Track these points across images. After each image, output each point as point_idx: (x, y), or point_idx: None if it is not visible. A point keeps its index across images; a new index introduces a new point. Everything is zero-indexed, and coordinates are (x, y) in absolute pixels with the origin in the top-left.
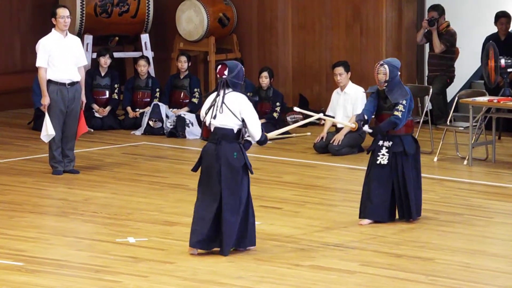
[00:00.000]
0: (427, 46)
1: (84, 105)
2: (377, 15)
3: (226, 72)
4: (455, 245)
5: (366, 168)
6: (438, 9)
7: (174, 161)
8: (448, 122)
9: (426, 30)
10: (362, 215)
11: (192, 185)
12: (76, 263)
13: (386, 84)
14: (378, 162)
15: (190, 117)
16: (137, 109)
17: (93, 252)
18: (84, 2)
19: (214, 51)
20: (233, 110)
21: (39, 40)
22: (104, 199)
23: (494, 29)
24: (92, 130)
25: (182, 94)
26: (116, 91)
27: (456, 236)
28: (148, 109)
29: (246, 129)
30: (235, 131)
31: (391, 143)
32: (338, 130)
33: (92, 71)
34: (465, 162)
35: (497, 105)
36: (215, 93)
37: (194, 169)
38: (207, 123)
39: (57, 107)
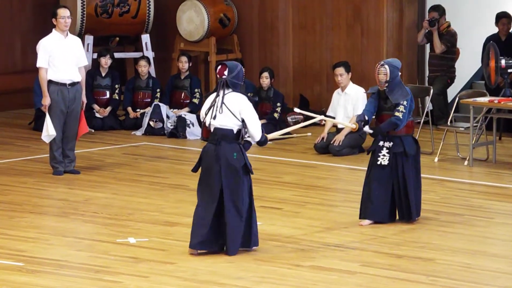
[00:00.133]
0: (427, 46)
1: (84, 105)
2: (377, 15)
3: (226, 73)
4: (456, 246)
5: (366, 168)
6: (439, 10)
7: (174, 161)
8: (448, 123)
9: (426, 31)
10: (362, 216)
11: (192, 186)
12: (76, 263)
13: (386, 84)
14: (378, 162)
15: (190, 117)
16: (138, 110)
17: (93, 252)
18: (84, 3)
19: (214, 52)
20: (233, 110)
21: (40, 41)
22: (105, 200)
23: (495, 30)
24: (92, 131)
25: (182, 95)
26: (116, 91)
27: (457, 237)
28: (148, 110)
29: (246, 130)
30: (235, 132)
31: (391, 143)
32: (338, 130)
33: (92, 72)
34: (466, 162)
35: (497, 105)
36: (215, 93)
37: (194, 170)
38: (207, 124)
39: (57, 107)
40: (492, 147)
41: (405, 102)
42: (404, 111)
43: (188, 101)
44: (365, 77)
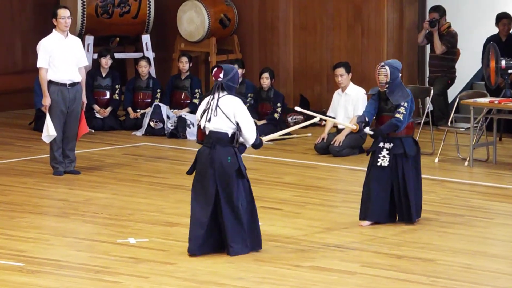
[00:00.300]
0: (428, 47)
1: (85, 105)
2: (378, 16)
3: (221, 75)
4: (456, 246)
5: (366, 169)
6: (439, 10)
7: (175, 162)
8: (449, 123)
9: (427, 31)
10: (362, 216)
11: None
12: (76, 263)
13: (387, 85)
14: (378, 164)
15: (191, 117)
16: (138, 110)
17: (93, 252)
18: (85, 3)
19: (215, 52)
20: (227, 113)
21: (40, 41)
22: (105, 200)
23: (495, 30)
24: (93, 131)
25: (183, 95)
26: (117, 91)
27: (457, 237)
28: (149, 110)
29: (240, 133)
30: (230, 135)
31: (391, 145)
32: (339, 131)
33: (93, 72)
34: (466, 163)
35: (498, 106)
36: (210, 96)
37: (189, 172)
38: (201, 126)
39: (58, 107)
40: (492, 147)
41: (405, 104)
42: (404, 112)
43: (188, 101)
44: (365, 77)
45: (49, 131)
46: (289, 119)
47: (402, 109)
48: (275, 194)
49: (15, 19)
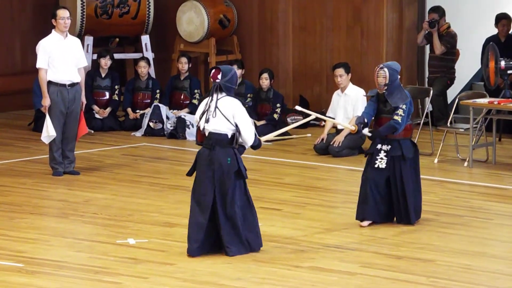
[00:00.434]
0: (427, 47)
1: (84, 106)
2: (377, 16)
3: (219, 76)
4: (456, 247)
5: (363, 170)
6: (439, 11)
7: (174, 162)
8: (448, 124)
9: (426, 32)
10: (359, 217)
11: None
12: (75, 264)
13: (386, 87)
14: (376, 165)
15: (190, 118)
16: (138, 111)
17: (93, 253)
18: (84, 3)
19: (214, 53)
20: (226, 114)
21: (39, 42)
22: (104, 201)
23: (495, 31)
24: (92, 131)
25: (182, 96)
26: (116, 92)
27: (457, 238)
28: (148, 111)
29: (238, 134)
30: (229, 136)
31: (389, 147)
32: (338, 131)
33: (92, 72)
34: (466, 163)
35: (497, 106)
36: (209, 97)
37: (189, 174)
38: (201, 128)
39: (57, 108)
40: (492, 148)
41: (404, 106)
42: (403, 114)
43: (187, 102)
44: (365, 78)
45: (49, 131)
46: (289, 120)
47: (400, 111)
48: (275, 195)
49: (14, 20)
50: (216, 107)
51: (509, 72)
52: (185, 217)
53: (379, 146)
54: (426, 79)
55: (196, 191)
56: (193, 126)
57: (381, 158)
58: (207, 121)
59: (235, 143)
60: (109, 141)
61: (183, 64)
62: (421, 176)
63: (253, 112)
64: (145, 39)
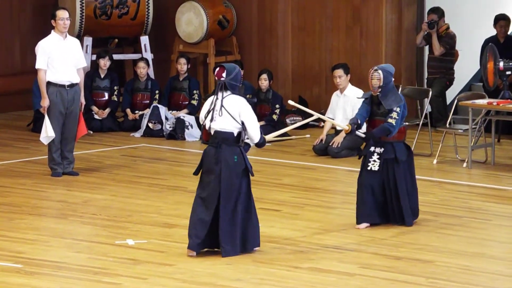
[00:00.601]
0: (426, 48)
1: (83, 107)
2: (377, 17)
3: (224, 75)
4: (455, 248)
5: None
6: (438, 12)
7: (173, 163)
8: (447, 125)
9: (425, 33)
10: (359, 221)
11: (191, 187)
12: (75, 265)
13: (380, 89)
14: (369, 168)
15: (189, 119)
16: (137, 111)
17: (92, 254)
18: (83, 4)
19: (213, 53)
20: (232, 113)
21: (39, 42)
22: (104, 201)
23: (494, 32)
24: (91, 132)
25: (181, 96)
26: (115, 93)
27: (456, 239)
28: (147, 111)
29: (245, 132)
30: (235, 135)
31: (382, 149)
32: (337, 132)
33: (91, 73)
34: (465, 164)
35: (496, 107)
36: (214, 96)
37: (196, 173)
38: (206, 127)
39: (56, 109)
40: (490, 149)
41: (398, 109)
42: (397, 117)
43: (186, 102)
44: (364, 79)
45: (48, 132)
46: (288, 121)
47: (394, 114)
48: (274, 196)
49: (14, 20)
50: (222, 105)
51: (507, 73)
52: (184, 218)
53: (372, 148)
54: (425, 80)
55: (202, 188)
56: (192, 127)
57: (374, 161)
58: (213, 119)
59: (241, 141)
60: (108, 142)
61: (182, 65)
62: (420, 177)
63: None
64: (144, 40)
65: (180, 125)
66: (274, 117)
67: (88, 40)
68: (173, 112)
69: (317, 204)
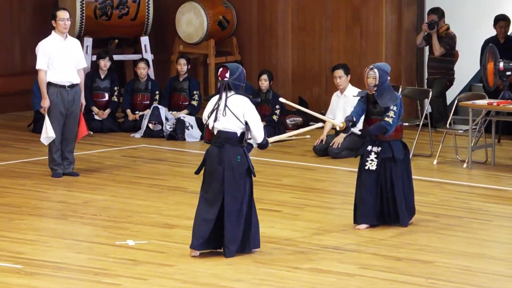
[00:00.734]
0: (426, 49)
1: (83, 107)
2: (377, 17)
3: (227, 75)
4: (455, 248)
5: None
6: (438, 12)
7: (173, 163)
8: (447, 125)
9: (426, 33)
10: (358, 221)
11: (191, 188)
12: (75, 265)
13: (375, 88)
14: (366, 167)
15: (189, 119)
16: (137, 112)
17: (92, 254)
18: (84, 5)
19: (213, 54)
20: (236, 113)
21: (39, 43)
22: (104, 202)
23: (494, 32)
24: (91, 133)
25: (181, 97)
26: (115, 93)
27: (456, 239)
28: (147, 112)
29: (249, 132)
30: (239, 135)
31: (380, 148)
32: (337, 133)
33: (91, 74)
34: (465, 165)
35: (496, 108)
36: (217, 96)
37: (197, 172)
38: (210, 126)
39: (57, 109)
40: (491, 149)
41: (394, 108)
42: (393, 116)
43: (187, 103)
44: (364, 79)
45: (48, 132)
46: (288, 121)
47: (391, 113)
48: (274, 196)
49: (14, 21)
50: (225, 105)
51: (508, 73)
52: (184, 219)
53: (369, 147)
54: (425, 81)
55: (205, 188)
56: (192, 128)
57: (372, 160)
58: (216, 119)
59: (244, 141)
60: (109, 143)
61: (182, 66)
62: (421, 178)
63: None
64: (145, 40)
65: (180, 125)
66: (274, 117)
67: (88, 41)
68: (173, 112)
69: (317, 204)
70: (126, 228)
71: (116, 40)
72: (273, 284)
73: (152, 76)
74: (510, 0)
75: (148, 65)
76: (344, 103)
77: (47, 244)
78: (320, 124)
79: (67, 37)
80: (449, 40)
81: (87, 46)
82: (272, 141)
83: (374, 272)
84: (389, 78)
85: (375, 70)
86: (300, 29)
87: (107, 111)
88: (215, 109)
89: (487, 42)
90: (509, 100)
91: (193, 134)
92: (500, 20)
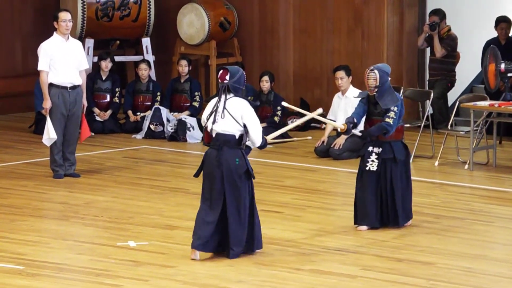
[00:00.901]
0: (428, 50)
1: (85, 108)
2: (378, 19)
3: (227, 77)
4: (456, 250)
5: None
6: (439, 14)
7: (175, 165)
8: (449, 127)
9: (427, 35)
10: (358, 221)
11: (193, 189)
12: (76, 266)
13: (376, 89)
14: (367, 168)
15: (191, 121)
16: (138, 113)
17: (93, 256)
18: (85, 6)
19: (215, 55)
20: (235, 115)
21: (41, 44)
22: (105, 203)
23: (495, 33)
24: (93, 134)
25: (183, 98)
26: (117, 94)
27: (457, 241)
28: (149, 113)
29: (247, 135)
30: (237, 137)
31: (380, 149)
32: (339, 134)
33: (93, 75)
34: (466, 166)
35: (498, 109)
36: (216, 98)
37: (196, 175)
38: (208, 129)
39: (58, 110)
40: (492, 151)
41: (395, 108)
42: (394, 117)
43: (188, 104)
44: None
45: (50, 134)
46: (289, 122)
47: (392, 114)
48: (276, 198)
49: (15, 22)
50: (224, 108)
51: (509, 75)
52: (186, 220)
53: (370, 148)
54: (427, 82)
55: (205, 191)
56: (193, 129)
57: (372, 161)
58: (215, 122)
59: (243, 144)
60: (110, 144)
61: (183, 67)
62: (422, 179)
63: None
64: (146, 41)
65: (181, 126)
66: (276, 119)
67: (90, 42)
68: (175, 114)
69: (318, 206)
70: (127, 229)
71: (118, 41)
72: (274, 285)
73: (154, 77)
74: (511, 1)
75: (150, 66)
76: (345, 104)
77: (48, 245)
78: (320, 110)
79: (68, 39)
80: (450, 42)
81: (88, 48)
82: (271, 138)
83: (376, 273)
84: (389, 79)
85: (376, 71)
86: (301, 31)
87: (109, 112)
88: (214, 111)
89: (488, 43)
90: (511, 102)
91: (194, 135)
92: (501, 22)
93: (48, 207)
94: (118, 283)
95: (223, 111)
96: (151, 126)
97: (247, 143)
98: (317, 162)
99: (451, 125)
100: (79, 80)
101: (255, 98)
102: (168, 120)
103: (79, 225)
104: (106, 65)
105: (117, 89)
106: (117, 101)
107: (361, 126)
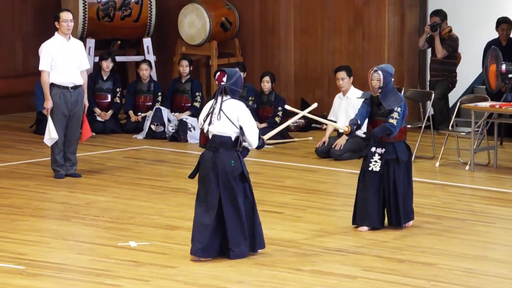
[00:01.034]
0: (429, 51)
1: (86, 109)
2: (379, 20)
3: (224, 79)
4: (457, 251)
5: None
6: (440, 14)
7: (176, 165)
8: (450, 127)
9: (428, 35)
10: (358, 221)
11: (193, 190)
12: (77, 267)
13: (379, 90)
14: (370, 168)
15: (192, 121)
16: (139, 113)
17: (94, 256)
18: (86, 6)
19: (216, 55)
20: (231, 117)
21: (42, 44)
22: (106, 203)
23: (495, 34)
24: (94, 134)
25: (184, 98)
26: (118, 95)
27: (458, 241)
28: (150, 113)
29: (243, 137)
30: (233, 139)
31: (383, 150)
32: (340, 134)
33: (94, 75)
34: (467, 167)
35: (499, 110)
36: (213, 100)
37: (191, 176)
38: (204, 130)
39: (59, 110)
40: (493, 152)
41: (399, 109)
42: (398, 117)
43: (189, 104)
44: (366, 81)
45: (51, 134)
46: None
47: (395, 114)
48: (276, 198)
49: (16, 23)
50: (220, 109)
51: (510, 75)
52: (186, 220)
53: (373, 149)
54: (428, 83)
55: (200, 193)
56: (194, 129)
57: (375, 161)
58: (211, 123)
59: (239, 146)
60: (111, 144)
61: (184, 67)
62: (423, 180)
63: (255, 115)
64: (147, 41)
65: (182, 127)
66: (277, 119)
67: (91, 42)
68: (176, 114)
69: (319, 206)
70: (128, 230)
71: (119, 42)
72: (275, 286)
73: (155, 78)
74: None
75: (151, 67)
76: (346, 105)
77: (49, 245)
78: (315, 105)
79: (70, 39)
80: (451, 42)
81: (89, 48)
82: (268, 137)
83: (376, 274)
84: (393, 79)
85: (380, 72)
86: (302, 31)
87: (109, 112)
88: (210, 113)
89: (489, 44)
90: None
91: (195, 135)
92: (502, 23)
93: (49, 207)
94: (118, 283)
95: (219, 112)
96: (152, 126)
97: (245, 144)
98: (318, 162)
99: (452, 126)
100: (81, 80)
101: (256, 99)
102: (169, 121)
103: (79, 225)
104: (107, 65)
105: (118, 89)
106: (118, 101)
107: (364, 128)
